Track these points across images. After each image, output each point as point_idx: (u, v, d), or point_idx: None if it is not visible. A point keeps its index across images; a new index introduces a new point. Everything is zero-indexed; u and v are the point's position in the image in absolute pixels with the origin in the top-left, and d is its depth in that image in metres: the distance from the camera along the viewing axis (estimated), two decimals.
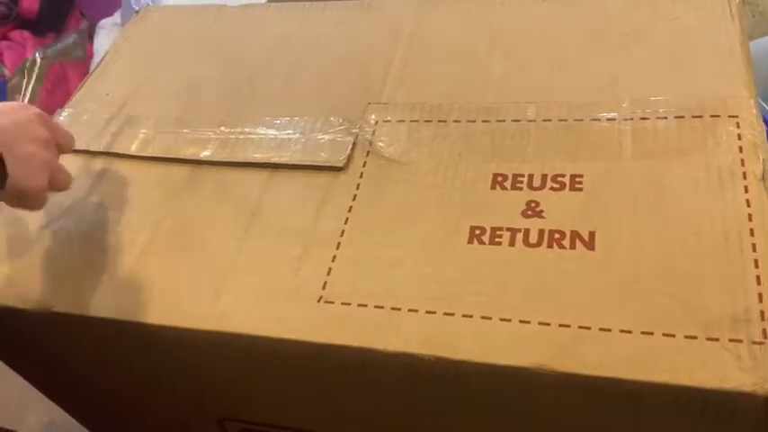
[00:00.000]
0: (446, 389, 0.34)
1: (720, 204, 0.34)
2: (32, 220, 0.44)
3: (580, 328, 0.31)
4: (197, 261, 0.39)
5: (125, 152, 0.47)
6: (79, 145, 0.48)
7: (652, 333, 0.31)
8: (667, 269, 0.32)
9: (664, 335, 0.30)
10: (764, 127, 0.36)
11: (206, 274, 0.39)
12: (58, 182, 0.39)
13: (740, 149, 0.36)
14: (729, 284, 0.31)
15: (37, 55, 0.41)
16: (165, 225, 0.42)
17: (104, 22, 1.06)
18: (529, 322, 0.32)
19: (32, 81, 0.95)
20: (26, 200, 0.37)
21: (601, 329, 0.31)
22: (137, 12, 0.59)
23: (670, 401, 0.30)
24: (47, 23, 1.18)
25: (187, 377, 0.42)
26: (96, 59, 1.06)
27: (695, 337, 0.30)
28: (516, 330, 0.32)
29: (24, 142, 0.36)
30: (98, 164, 0.47)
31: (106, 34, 1.04)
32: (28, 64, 1.02)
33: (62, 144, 0.40)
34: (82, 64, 1.08)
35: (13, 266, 0.42)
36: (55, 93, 1.11)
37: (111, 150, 0.47)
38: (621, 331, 0.31)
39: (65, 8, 1.22)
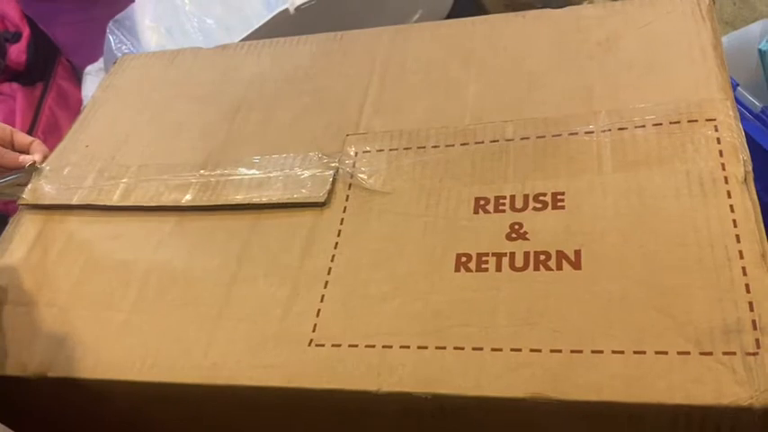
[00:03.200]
0: (443, 424, 0.33)
1: (704, 212, 0.34)
2: (16, 278, 0.44)
3: (572, 352, 0.31)
4: (186, 313, 0.39)
5: (107, 203, 0.47)
6: (61, 199, 0.48)
7: (644, 352, 0.30)
8: (655, 283, 0.32)
9: (656, 353, 0.30)
10: (742, 129, 0.36)
11: (195, 325, 0.38)
12: None
13: (720, 153, 0.35)
14: (719, 295, 0.31)
15: None
16: (153, 278, 0.41)
17: (90, 68, 1.06)
18: (520, 350, 0.32)
19: None
20: None
21: (593, 352, 0.31)
22: (114, 61, 0.59)
23: (669, 420, 0.29)
24: (35, 74, 1.18)
25: (183, 429, 0.41)
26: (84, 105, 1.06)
27: (688, 353, 0.29)
28: (508, 360, 0.32)
29: None
30: (81, 218, 0.47)
31: (92, 80, 1.04)
32: None
33: None
34: (71, 116, 1.09)
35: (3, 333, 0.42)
36: (47, 141, 1.12)
37: (93, 203, 0.47)
38: (614, 352, 0.30)
39: (51, 57, 1.22)
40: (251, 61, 0.54)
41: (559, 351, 0.31)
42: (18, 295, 0.43)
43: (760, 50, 0.53)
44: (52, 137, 1.13)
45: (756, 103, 0.53)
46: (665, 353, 0.30)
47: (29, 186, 0.50)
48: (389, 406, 0.33)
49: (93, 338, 0.40)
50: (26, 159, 0.51)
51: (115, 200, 0.46)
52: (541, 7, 0.49)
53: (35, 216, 0.48)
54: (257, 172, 0.45)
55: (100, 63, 1.08)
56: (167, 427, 0.42)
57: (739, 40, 0.62)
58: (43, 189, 0.49)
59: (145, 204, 0.45)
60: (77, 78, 1.18)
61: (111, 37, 0.82)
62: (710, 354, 0.29)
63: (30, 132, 1.11)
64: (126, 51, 0.78)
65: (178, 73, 0.56)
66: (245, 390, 0.35)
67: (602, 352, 0.31)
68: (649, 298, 0.31)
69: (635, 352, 0.30)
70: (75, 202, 0.47)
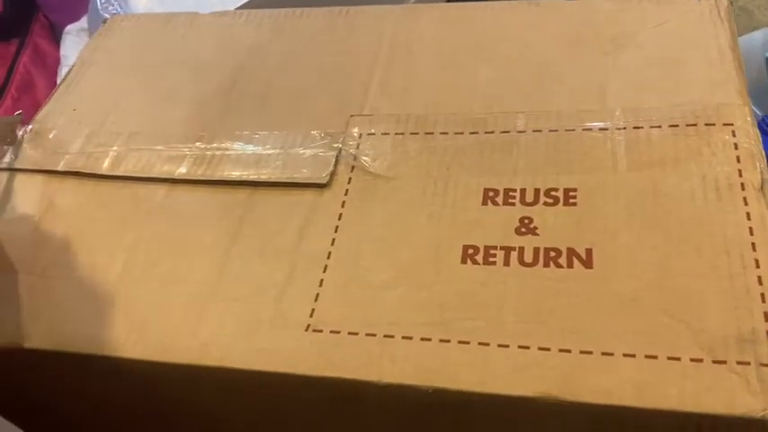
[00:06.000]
0: (444, 419, 0.32)
1: (720, 217, 0.33)
2: None
3: (582, 352, 0.30)
4: (175, 288, 0.37)
5: (96, 171, 0.44)
6: (46, 164, 0.46)
7: (656, 357, 0.29)
8: (669, 287, 0.31)
9: (668, 358, 0.29)
10: (759, 136, 0.36)
11: (185, 302, 0.37)
12: None
13: (737, 159, 0.35)
14: (733, 303, 0.30)
15: None
16: (140, 250, 0.40)
17: (71, 27, 1.02)
18: (528, 348, 0.31)
19: None
20: None
21: (603, 354, 0.30)
22: (104, 21, 0.57)
23: (678, 428, 0.29)
24: (10, 28, 1.14)
25: (166, 412, 0.40)
26: (63, 66, 1.02)
27: (701, 360, 0.29)
28: (516, 357, 0.31)
29: None
30: (66, 184, 0.44)
31: (72, 40, 1.00)
32: None
33: None
34: (47, 75, 1.05)
35: None
36: (21, 99, 1.08)
37: (81, 170, 0.45)
38: (625, 355, 0.30)
39: (28, 13, 1.18)
40: (250, 31, 0.52)
41: (569, 351, 0.30)
42: None
43: (767, 58, 0.53)
44: (26, 95, 1.09)
45: (758, 111, 0.52)
46: (678, 359, 0.29)
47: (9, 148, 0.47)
48: (389, 398, 0.32)
49: (74, 310, 0.38)
50: None
51: (105, 168, 0.44)
52: None
53: (14, 179, 0.46)
54: (256, 148, 0.43)
55: (81, 23, 1.04)
56: (149, 407, 0.40)
57: (741, 48, 0.62)
58: (26, 152, 0.46)
59: (136, 175, 0.43)
60: (55, 37, 1.13)
61: None
62: (724, 362, 0.29)
63: (2, 90, 1.07)
64: (113, 12, 0.75)
65: (172, 38, 0.53)
66: (237, 373, 0.34)
67: (612, 354, 0.30)
68: (662, 302, 0.31)
69: (647, 356, 0.29)
70: (61, 168, 0.45)
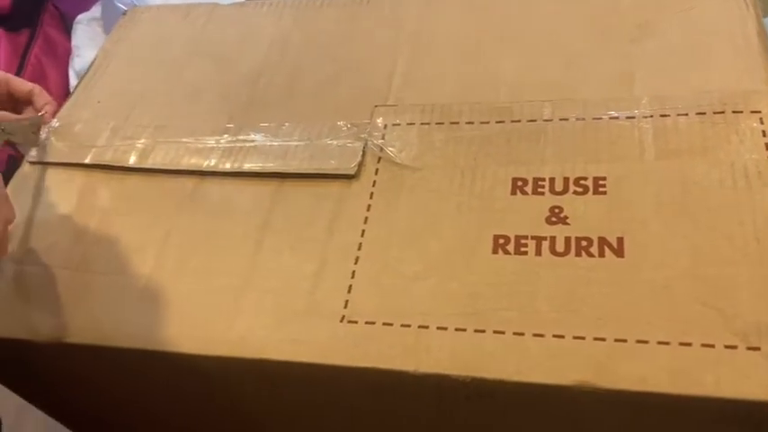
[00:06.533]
0: (481, 409, 0.33)
1: (749, 205, 0.33)
2: (27, 238, 0.42)
3: (616, 341, 0.31)
4: (209, 281, 0.38)
5: (123, 164, 0.45)
6: (73, 158, 0.46)
7: (690, 344, 0.30)
8: (700, 275, 0.32)
9: (703, 345, 0.30)
10: None
11: (219, 294, 0.37)
12: None
13: (766, 146, 0.35)
14: (765, 289, 0.30)
15: None
16: (172, 243, 0.40)
17: (81, 17, 1.02)
18: (563, 337, 0.31)
19: None
20: None
21: (638, 341, 0.30)
22: (124, 13, 0.57)
23: (713, 414, 0.29)
24: (20, 19, 1.14)
25: (202, 404, 0.41)
26: (74, 56, 1.02)
27: (735, 347, 0.29)
28: (551, 346, 0.31)
29: None
30: (94, 177, 0.45)
31: (83, 30, 1.00)
32: None
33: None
34: (59, 65, 1.05)
35: (16, 296, 0.40)
36: None
37: (108, 163, 0.45)
38: (659, 343, 0.30)
39: (37, 2, 1.17)
40: (271, 22, 0.52)
41: (603, 339, 0.31)
42: (29, 256, 0.42)
43: None
44: (38, 83, 1.09)
45: None
46: (712, 346, 0.30)
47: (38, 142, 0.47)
48: (424, 388, 0.33)
49: (109, 304, 0.39)
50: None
51: (132, 161, 0.44)
52: None
53: (43, 173, 0.46)
54: (283, 139, 0.43)
55: (92, 12, 1.04)
56: (181, 400, 0.41)
57: None
58: (53, 146, 0.47)
59: (164, 168, 0.43)
60: (65, 26, 1.13)
61: None
62: (758, 349, 0.29)
63: None
64: (128, 3, 0.75)
65: (193, 29, 0.53)
66: (273, 364, 0.34)
67: (647, 342, 0.30)
68: (695, 290, 0.31)
69: (681, 344, 0.30)
70: (88, 161, 0.45)
